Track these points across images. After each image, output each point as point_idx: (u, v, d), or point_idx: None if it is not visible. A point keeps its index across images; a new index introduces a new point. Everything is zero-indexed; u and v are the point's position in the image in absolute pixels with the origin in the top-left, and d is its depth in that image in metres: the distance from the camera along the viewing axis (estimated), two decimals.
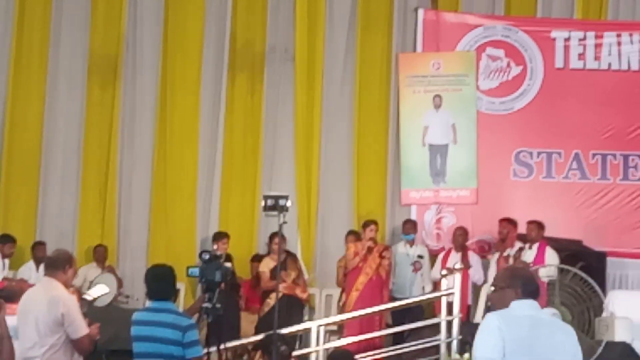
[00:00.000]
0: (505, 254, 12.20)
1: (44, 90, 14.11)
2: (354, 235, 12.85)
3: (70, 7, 14.21)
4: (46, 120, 14.09)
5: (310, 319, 12.41)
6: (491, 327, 5.23)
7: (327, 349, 10.77)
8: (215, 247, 12.70)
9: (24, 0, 14.10)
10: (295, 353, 8.94)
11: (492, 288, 5.52)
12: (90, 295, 7.77)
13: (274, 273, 12.18)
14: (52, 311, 6.84)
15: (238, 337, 11.82)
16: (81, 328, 6.94)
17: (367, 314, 11.56)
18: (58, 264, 7.12)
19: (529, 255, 12.04)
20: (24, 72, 14.11)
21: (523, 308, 5.33)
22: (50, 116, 14.11)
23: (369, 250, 12.26)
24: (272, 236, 12.25)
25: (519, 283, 5.37)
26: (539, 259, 11.95)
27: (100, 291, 8.04)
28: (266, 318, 11.62)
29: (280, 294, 12.38)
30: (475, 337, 5.31)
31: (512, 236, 12.38)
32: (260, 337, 11.14)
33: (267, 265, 12.33)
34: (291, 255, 12.79)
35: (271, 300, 12.13)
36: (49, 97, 14.11)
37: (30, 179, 13.99)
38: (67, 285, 7.18)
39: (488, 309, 11.18)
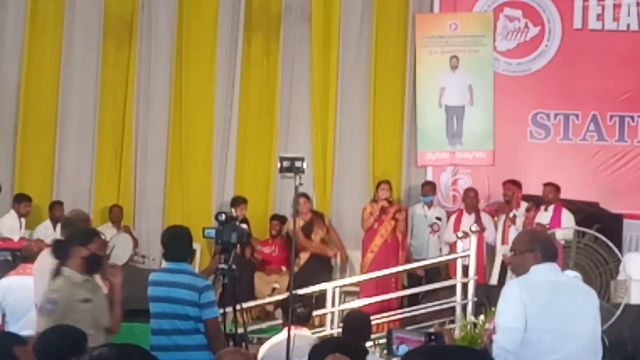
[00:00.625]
0: (510, 215, 12.19)
1: (60, 51, 14.07)
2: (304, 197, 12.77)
3: None
4: (62, 81, 14.06)
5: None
6: (513, 296, 5.25)
7: (342, 310, 10.79)
8: (233, 212, 12.75)
9: None
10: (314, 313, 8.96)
11: (512, 252, 5.50)
12: None
13: (303, 232, 12.27)
14: None
15: (252, 298, 11.88)
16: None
17: (382, 276, 11.57)
18: (75, 225, 7.08)
19: (545, 217, 12.04)
20: (40, 33, 14.05)
21: (544, 273, 5.31)
22: (66, 76, 14.09)
23: (383, 210, 12.26)
24: (297, 197, 12.28)
25: (538, 246, 5.38)
26: (555, 221, 11.97)
27: None
28: (296, 277, 11.59)
29: (308, 254, 12.50)
30: (497, 305, 5.29)
31: (517, 197, 12.37)
32: (277, 297, 11.21)
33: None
34: (317, 215, 12.82)
35: (300, 260, 12.24)
36: (64, 58, 14.07)
37: (46, 139, 14.00)
38: None
39: (504, 272, 11.20)
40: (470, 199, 12.81)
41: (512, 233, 11.95)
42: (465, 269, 10.91)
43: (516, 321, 5.20)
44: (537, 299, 5.23)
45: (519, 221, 12.13)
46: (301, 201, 12.28)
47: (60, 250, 6.25)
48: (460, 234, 11.37)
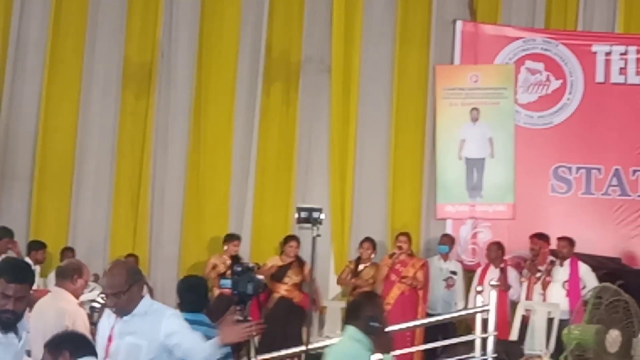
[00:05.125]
0: (538, 275, 11.98)
1: (78, 99, 14.07)
2: (369, 242, 12.74)
3: (105, 16, 14.16)
4: (80, 129, 14.05)
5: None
6: None
7: None
8: (225, 248, 12.69)
9: (59, 8, 14.05)
10: None
11: (114, 296, 5.58)
12: (97, 302, 7.62)
13: (276, 274, 12.37)
14: (57, 324, 6.66)
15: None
16: None
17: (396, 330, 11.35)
18: (67, 274, 7.09)
19: (562, 273, 11.92)
20: (59, 80, 14.05)
21: None
22: (84, 124, 14.07)
23: (391, 256, 12.30)
24: (286, 239, 12.59)
25: (139, 275, 5.76)
26: (574, 276, 11.88)
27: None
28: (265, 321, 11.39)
29: (277, 296, 12.32)
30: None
31: (545, 252, 12.19)
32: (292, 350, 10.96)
33: (271, 261, 12.58)
34: (299, 261, 12.57)
35: (270, 304, 12.12)
36: (83, 105, 14.07)
37: (63, 187, 13.96)
38: (77, 295, 7.07)
39: (524, 327, 10.91)
40: (495, 252, 12.58)
41: (538, 289, 11.84)
42: (485, 324, 10.72)
43: None
44: None
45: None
46: (293, 244, 12.51)
47: None
48: (479, 288, 11.18)
